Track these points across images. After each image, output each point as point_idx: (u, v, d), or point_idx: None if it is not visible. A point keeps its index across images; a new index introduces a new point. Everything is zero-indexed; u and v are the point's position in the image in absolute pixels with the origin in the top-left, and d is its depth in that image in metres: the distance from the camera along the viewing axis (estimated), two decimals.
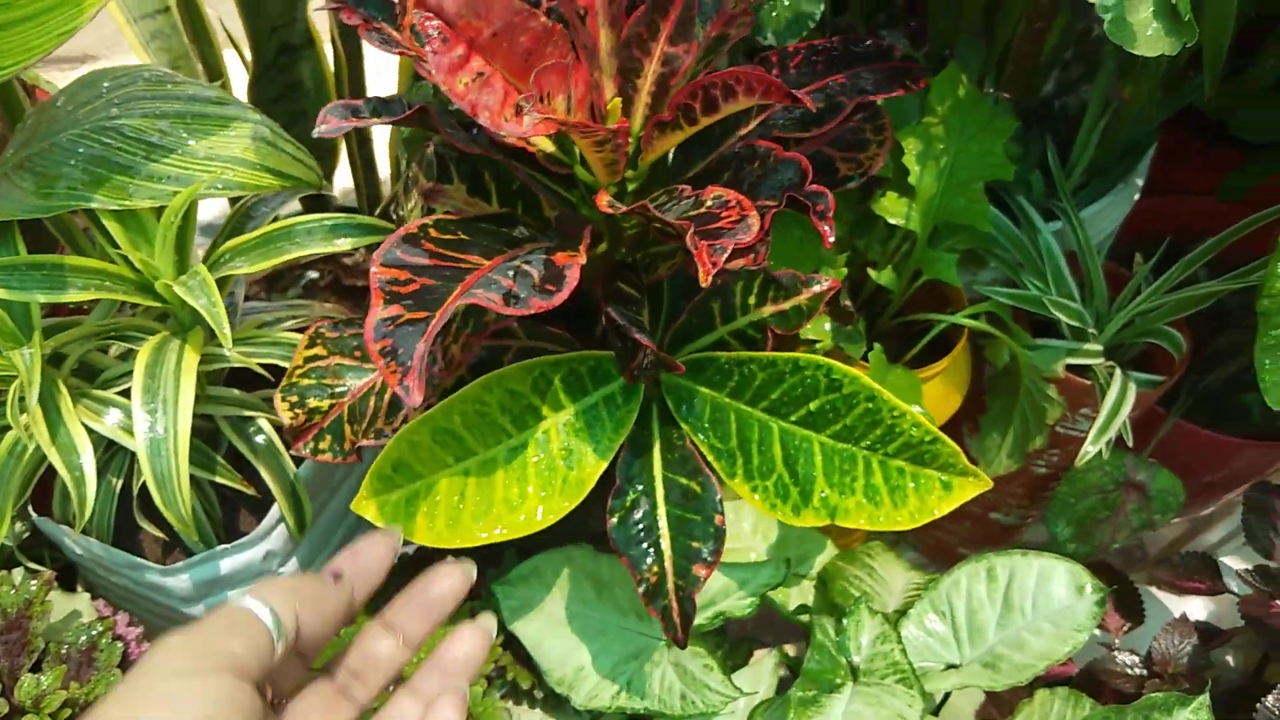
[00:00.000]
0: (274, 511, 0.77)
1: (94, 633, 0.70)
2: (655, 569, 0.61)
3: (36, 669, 0.69)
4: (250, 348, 0.74)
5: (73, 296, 0.67)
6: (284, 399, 0.65)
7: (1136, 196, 0.92)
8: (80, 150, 0.66)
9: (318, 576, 0.45)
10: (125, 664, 0.70)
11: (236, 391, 0.78)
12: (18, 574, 0.73)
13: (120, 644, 0.70)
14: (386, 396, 0.66)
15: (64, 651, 0.69)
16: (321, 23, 0.99)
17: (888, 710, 0.68)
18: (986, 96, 0.77)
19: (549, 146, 0.58)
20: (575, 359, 0.63)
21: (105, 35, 0.88)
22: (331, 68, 0.97)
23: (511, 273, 0.50)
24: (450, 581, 0.47)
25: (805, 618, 0.81)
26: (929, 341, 0.84)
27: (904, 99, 0.76)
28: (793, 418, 0.62)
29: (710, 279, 0.45)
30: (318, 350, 0.67)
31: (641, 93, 0.57)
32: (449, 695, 0.44)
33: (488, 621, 0.47)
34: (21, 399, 0.68)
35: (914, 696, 0.68)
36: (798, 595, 0.83)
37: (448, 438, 0.60)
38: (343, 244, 0.71)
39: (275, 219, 0.77)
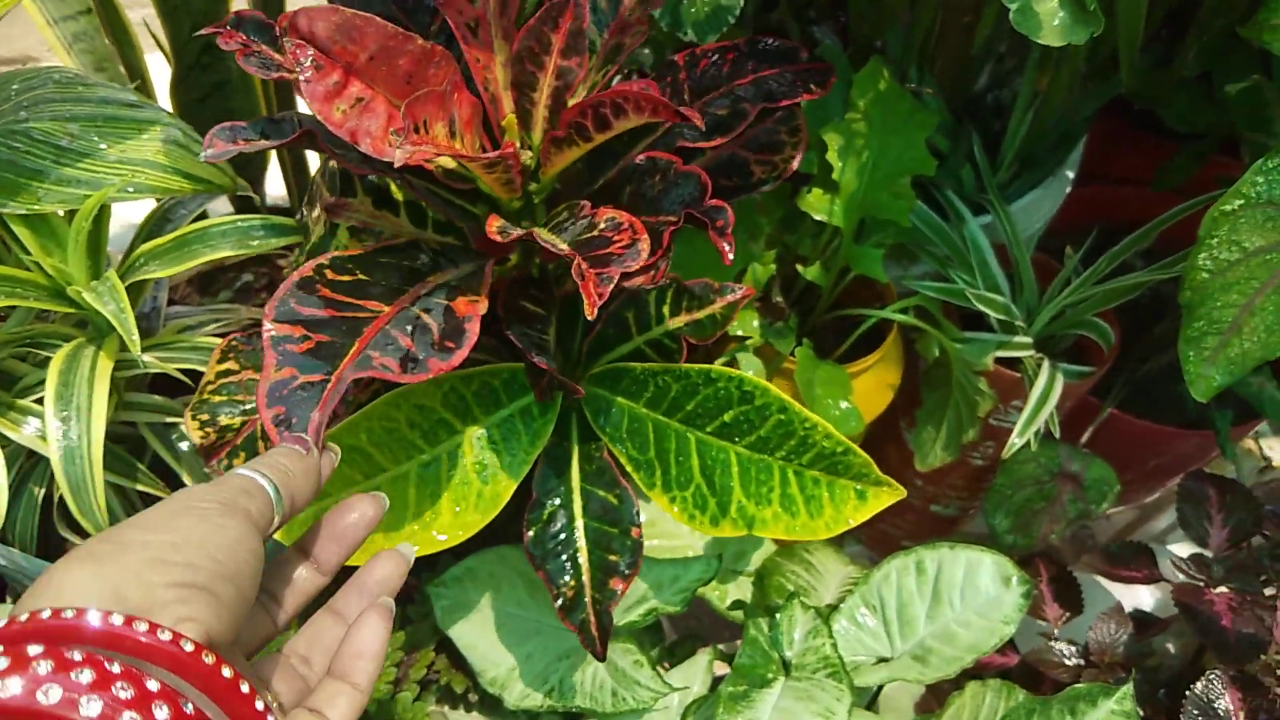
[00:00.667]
0: None
1: None
2: (572, 583, 0.61)
3: None
4: (168, 353, 0.73)
5: None
6: (194, 417, 0.64)
7: (1069, 189, 0.91)
8: None
9: (287, 450, 0.45)
10: None
11: (157, 398, 0.76)
12: None
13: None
14: None
15: None
16: None
17: (817, 705, 0.67)
18: (907, 91, 0.76)
19: (449, 163, 0.57)
20: (488, 372, 0.62)
21: (46, 38, 0.86)
22: None
23: (409, 327, 0.49)
24: (360, 512, 0.47)
25: (738, 614, 0.81)
26: (863, 336, 0.84)
27: (828, 94, 0.74)
28: (709, 428, 0.61)
29: (595, 311, 0.44)
30: (230, 364, 0.66)
31: (539, 106, 0.55)
32: (372, 609, 0.44)
33: (406, 549, 0.48)
34: None
35: (843, 691, 0.68)
36: (735, 591, 0.83)
37: (355, 455, 0.59)
38: (257, 245, 0.69)
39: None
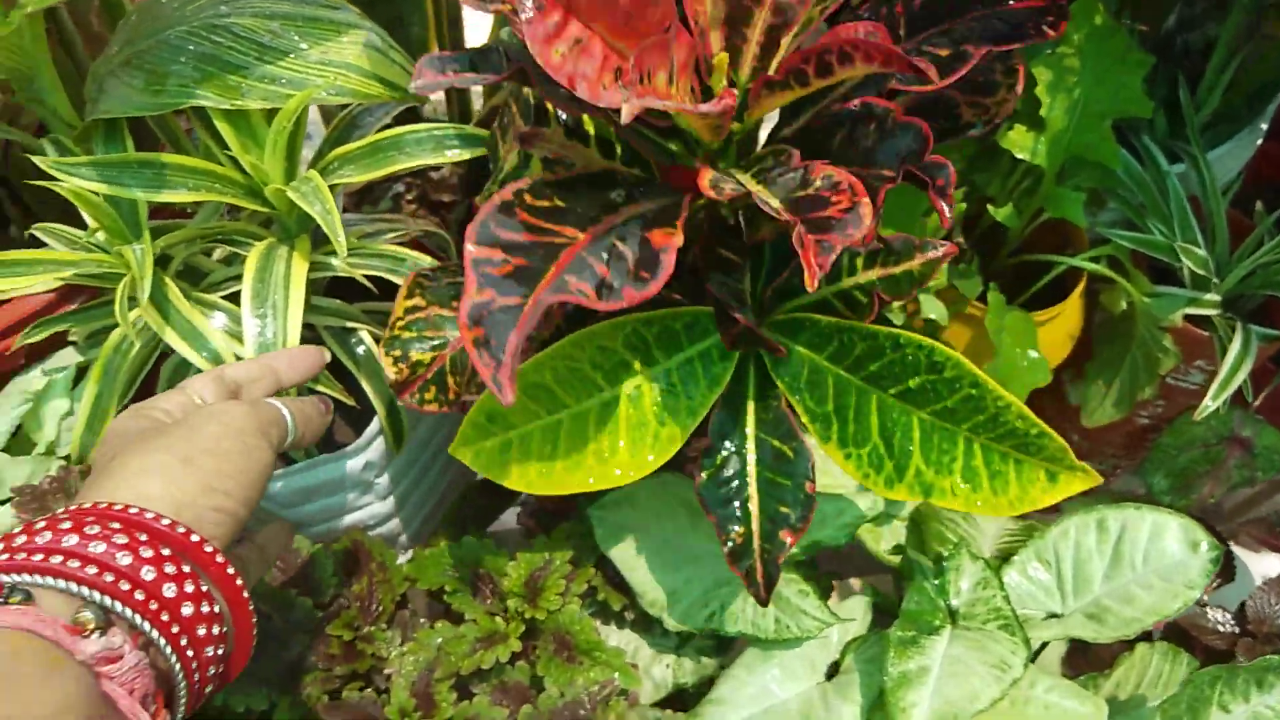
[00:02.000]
0: (374, 424, 0.77)
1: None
2: (741, 530, 0.59)
3: None
4: (356, 259, 0.73)
5: (182, 197, 0.66)
6: (388, 353, 0.63)
7: (1260, 141, 0.84)
8: (190, 48, 0.64)
9: (315, 401, 0.60)
10: None
11: (337, 302, 0.77)
12: None
13: None
14: None
15: None
16: None
17: (989, 655, 0.66)
18: (1123, 27, 0.69)
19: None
20: (669, 315, 0.60)
21: None
22: None
23: (605, 255, 0.47)
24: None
25: (896, 559, 0.79)
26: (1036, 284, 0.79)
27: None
28: (892, 391, 0.58)
29: (815, 284, 0.42)
30: (417, 300, 0.65)
31: (750, 43, 0.52)
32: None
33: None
34: (131, 298, 0.68)
35: (1017, 644, 0.66)
36: (889, 534, 0.81)
37: (539, 392, 0.58)
38: (453, 155, 0.68)
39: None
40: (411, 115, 0.98)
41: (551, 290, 0.45)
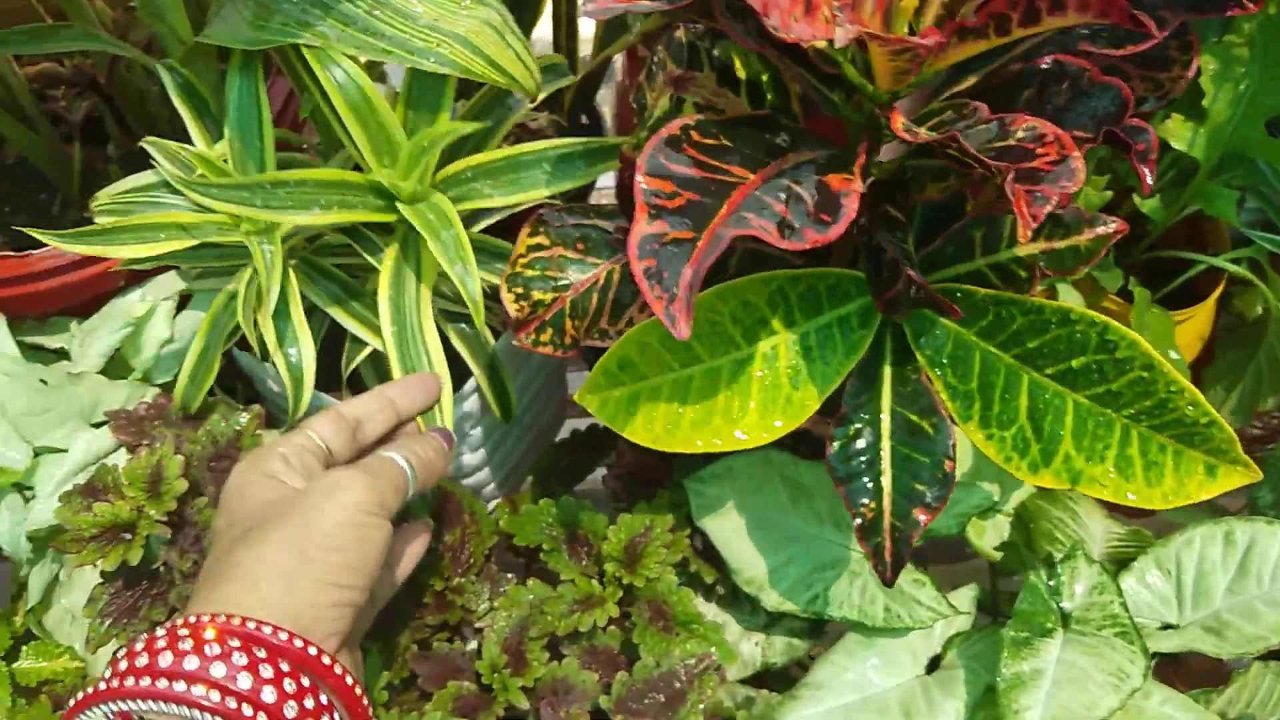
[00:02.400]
0: (472, 381, 0.75)
1: None
2: (872, 505, 0.57)
3: None
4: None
5: (316, 219, 0.63)
6: (510, 289, 0.61)
7: None
8: None
9: (436, 442, 0.59)
10: None
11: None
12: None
13: None
14: (611, 294, 0.61)
15: None
16: None
17: (1106, 663, 0.63)
18: None
19: (820, 43, 0.51)
20: (815, 275, 0.57)
21: None
22: None
23: (782, 195, 0.44)
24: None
25: (998, 555, 0.76)
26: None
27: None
28: (1048, 371, 0.55)
29: (1030, 234, 0.39)
30: (540, 239, 0.63)
31: None
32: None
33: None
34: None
35: (1136, 654, 0.63)
36: (992, 529, 0.78)
37: (677, 345, 0.56)
38: (579, 177, 0.65)
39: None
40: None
41: (729, 224, 0.42)
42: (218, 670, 0.42)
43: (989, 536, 0.77)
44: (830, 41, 0.47)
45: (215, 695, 0.42)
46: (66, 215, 0.91)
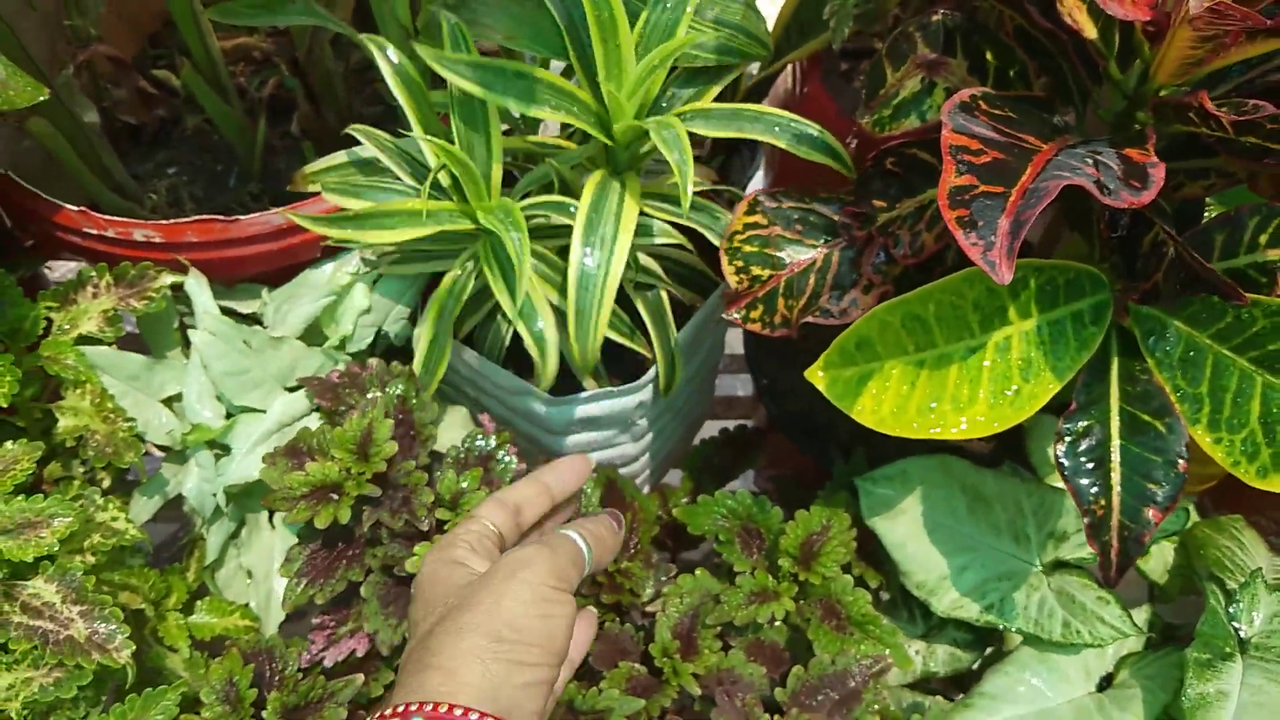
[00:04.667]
0: (652, 369, 0.74)
1: (491, 444, 0.69)
2: (1102, 502, 0.55)
3: (429, 466, 0.68)
4: (677, 207, 0.70)
5: (540, 113, 0.63)
6: (730, 261, 0.61)
7: None
8: None
9: (608, 521, 0.57)
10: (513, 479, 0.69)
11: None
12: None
13: (513, 459, 0.69)
14: (829, 276, 0.60)
15: (462, 456, 0.68)
16: None
17: None
18: None
19: (1093, 33, 0.50)
20: (1056, 267, 0.56)
21: None
22: None
23: (1090, 161, 0.43)
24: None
25: (1162, 579, 0.74)
26: None
27: None
28: None
29: None
30: (757, 218, 0.62)
31: None
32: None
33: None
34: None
35: None
36: (1157, 554, 0.75)
37: (916, 325, 0.55)
38: (803, 151, 0.65)
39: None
40: None
41: (1045, 179, 0.41)
42: None
43: (1154, 561, 0.75)
44: (1114, 25, 0.46)
45: None
46: (244, 187, 0.91)
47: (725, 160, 0.95)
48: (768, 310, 0.61)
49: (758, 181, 0.92)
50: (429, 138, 0.64)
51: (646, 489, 0.91)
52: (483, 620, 0.47)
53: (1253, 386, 0.54)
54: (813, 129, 0.64)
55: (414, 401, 0.69)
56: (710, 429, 0.92)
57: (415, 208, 0.65)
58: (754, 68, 0.92)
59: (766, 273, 0.60)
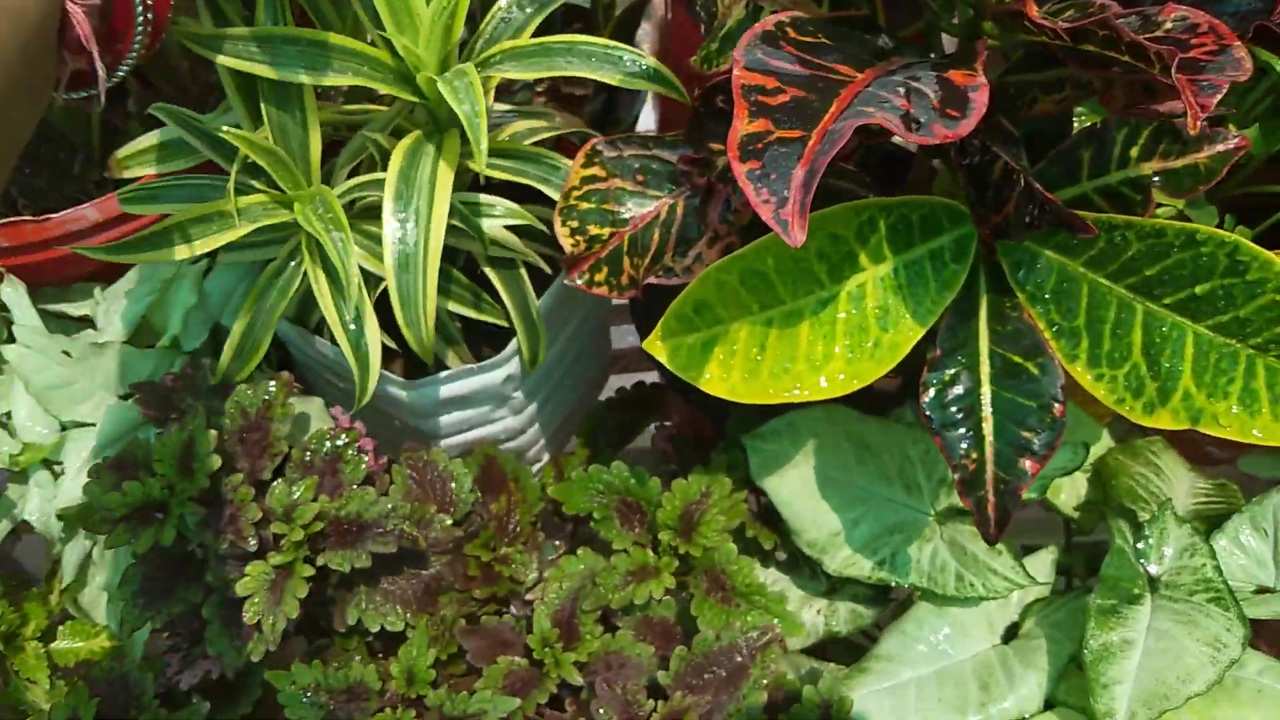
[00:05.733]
0: (513, 344, 0.68)
1: (339, 443, 0.63)
2: (974, 455, 0.50)
3: (278, 473, 0.62)
4: (508, 162, 0.63)
5: (332, 80, 0.56)
6: (564, 222, 0.54)
7: None
8: None
9: None
10: (367, 481, 0.63)
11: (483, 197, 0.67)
12: None
13: (365, 457, 0.63)
14: (674, 229, 0.55)
15: (307, 459, 0.62)
16: None
17: (1201, 632, 0.56)
18: None
19: None
20: (907, 203, 0.50)
21: None
22: None
23: (901, 90, 0.37)
24: None
25: (1076, 514, 0.69)
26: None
27: None
28: (1166, 301, 0.48)
29: (1198, 125, 0.32)
30: (595, 170, 0.56)
31: None
32: None
33: None
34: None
35: (1232, 620, 0.56)
36: (1069, 487, 0.71)
37: (757, 281, 0.49)
38: (619, 79, 0.58)
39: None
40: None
41: (846, 118, 0.35)
42: None
43: (1066, 495, 0.71)
44: None
45: None
46: (88, 175, 0.84)
47: (609, 102, 0.88)
48: (614, 272, 0.55)
49: (647, 123, 0.86)
50: (228, 130, 0.57)
51: (545, 459, 0.85)
52: None
53: (1133, 316, 0.49)
54: (640, 58, 0.58)
55: (278, 410, 0.63)
56: (619, 384, 0.87)
57: (223, 208, 0.58)
58: None
59: (607, 231, 0.54)
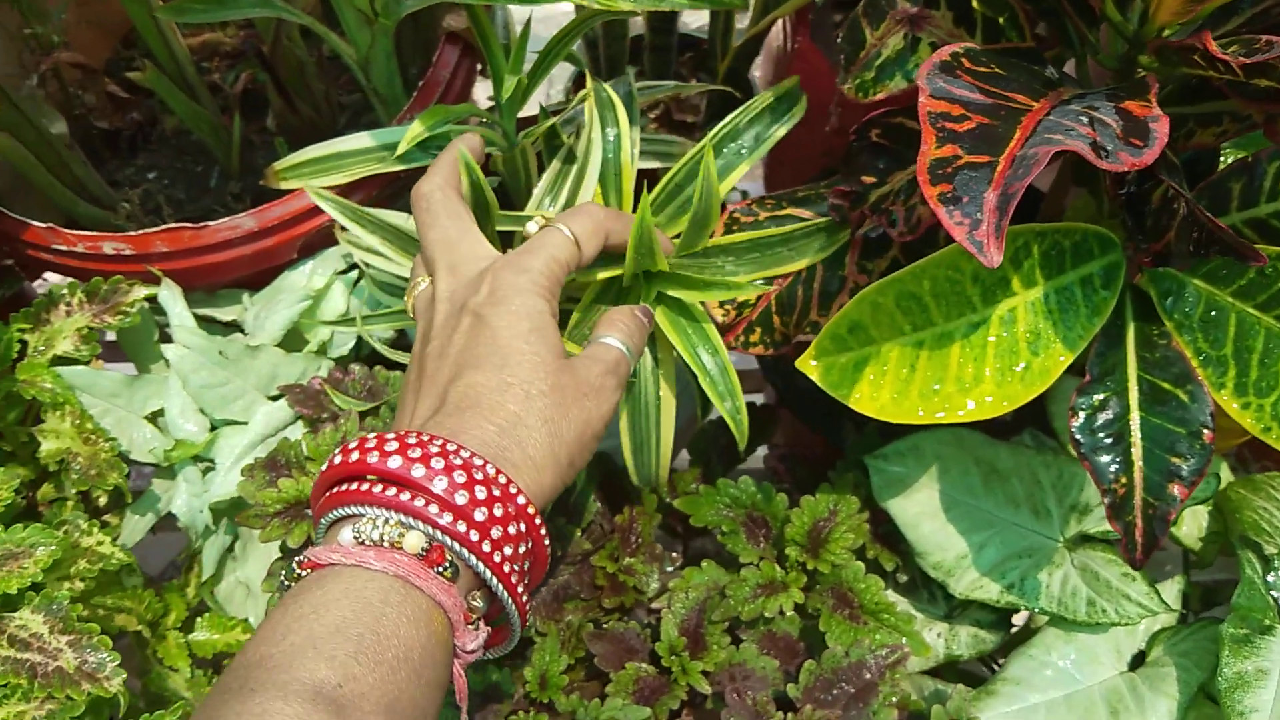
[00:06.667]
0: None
1: None
2: (1123, 480, 0.50)
3: None
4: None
5: None
6: None
7: None
8: None
9: (634, 312, 0.54)
10: None
11: None
12: None
13: None
14: (816, 285, 0.56)
15: None
16: None
17: None
18: None
19: None
20: (1060, 230, 0.51)
21: None
22: None
23: (1084, 118, 0.39)
24: None
25: (1198, 545, 0.69)
26: None
27: None
28: None
29: None
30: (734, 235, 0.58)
31: None
32: None
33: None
34: None
35: None
36: (1190, 519, 0.71)
37: (912, 304, 0.50)
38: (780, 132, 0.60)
39: None
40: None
41: (1034, 144, 0.37)
42: (416, 470, 0.41)
43: (1188, 527, 0.70)
44: None
45: (447, 517, 0.41)
46: (225, 188, 0.88)
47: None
48: (766, 331, 0.58)
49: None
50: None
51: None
52: (517, 394, 0.46)
53: None
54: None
55: None
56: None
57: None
58: (744, 22, 0.88)
59: (753, 296, 0.56)
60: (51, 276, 1.06)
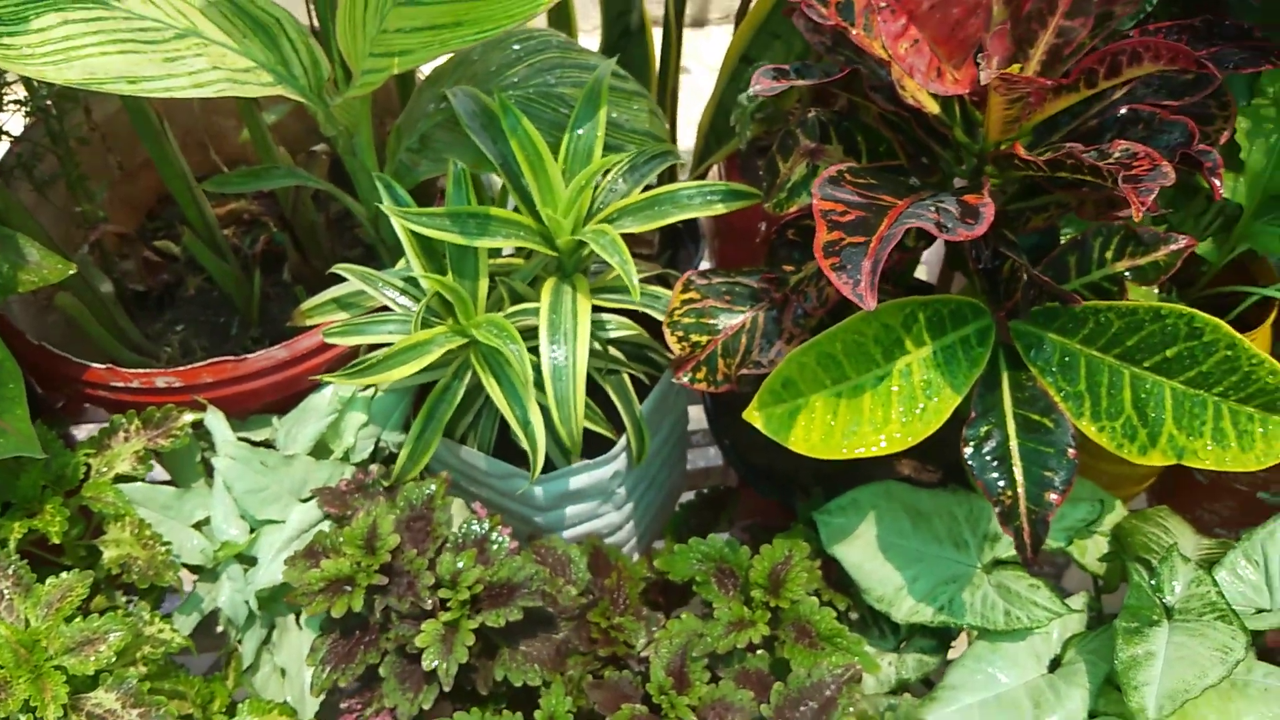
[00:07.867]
0: (623, 440, 0.82)
1: (485, 527, 0.76)
2: (1009, 493, 0.63)
3: (439, 552, 0.75)
4: (618, 295, 0.79)
5: (499, 243, 0.73)
6: (672, 332, 0.70)
7: None
8: (531, 111, 0.73)
9: None
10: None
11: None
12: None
13: (506, 537, 0.76)
14: (757, 335, 0.70)
15: (461, 540, 0.76)
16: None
17: (1211, 641, 0.67)
18: None
19: (935, 109, 0.61)
20: (939, 301, 0.65)
21: None
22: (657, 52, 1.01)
23: (932, 208, 0.53)
24: None
25: (1101, 567, 0.81)
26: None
27: (1232, 80, 0.75)
28: (1146, 364, 0.62)
29: (1141, 214, 0.47)
30: (691, 295, 0.72)
31: (1032, 61, 0.59)
32: None
33: None
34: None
35: (1236, 631, 0.68)
36: (1092, 548, 0.83)
37: (829, 362, 0.64)
38: (717, 208, 0.75)
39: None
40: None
41: (898, 225, 0.51)
42: None
43: (1090, 553, 0.83)
44: (952, 100, 0.56)
45: None
46: (245, 334, 1.00)
47: (673, 255, 1.06)
48: (710, 370, 0.70)
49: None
50: (429, 275, 0.74)
51: (635, 557, 0.98)
52: None
53: (1122, 379, 0.63)
54: (719, 185, 0.75)
55: (439, 501, 0.77)
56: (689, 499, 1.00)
57: (421, 339, 0.74)
58: (684, 175, 1.04)
59: (704, 338, 0.70)
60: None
